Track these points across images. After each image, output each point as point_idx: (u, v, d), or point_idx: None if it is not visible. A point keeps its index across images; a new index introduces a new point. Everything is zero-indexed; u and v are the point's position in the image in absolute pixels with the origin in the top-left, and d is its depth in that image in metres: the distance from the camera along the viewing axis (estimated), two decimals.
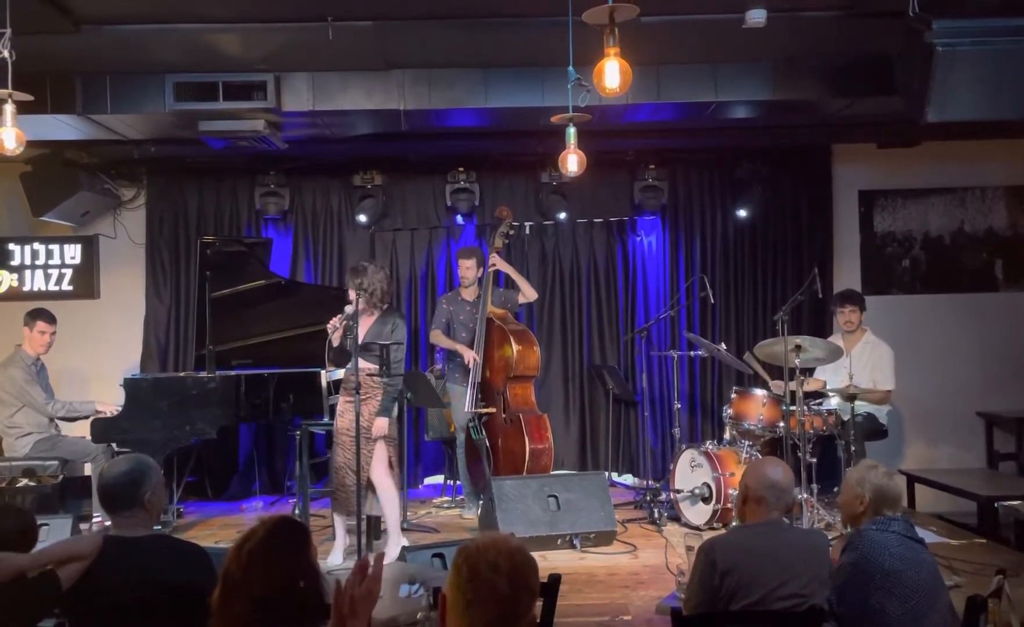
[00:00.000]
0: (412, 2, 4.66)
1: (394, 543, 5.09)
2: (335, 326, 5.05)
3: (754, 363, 6.29)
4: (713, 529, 5.59)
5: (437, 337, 6.48)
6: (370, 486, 5.09)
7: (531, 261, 7.55)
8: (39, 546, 3.77)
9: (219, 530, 6.13)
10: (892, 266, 7.65)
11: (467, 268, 6.44)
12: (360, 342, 4.95)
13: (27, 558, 2.75)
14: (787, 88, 5.69)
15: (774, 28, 4.66)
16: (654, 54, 5.20)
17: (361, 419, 4.89)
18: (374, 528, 5.63)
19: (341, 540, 5.24)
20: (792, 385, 5.47)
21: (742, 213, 7.43)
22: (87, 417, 6.04)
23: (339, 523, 5.24)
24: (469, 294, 6.51)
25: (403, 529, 5.72)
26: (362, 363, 4.94)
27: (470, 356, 6.22)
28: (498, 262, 6.43)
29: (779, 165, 7.43)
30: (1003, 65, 4.62)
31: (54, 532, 4.49)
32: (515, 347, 6.22)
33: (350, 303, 5.01)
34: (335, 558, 5.16)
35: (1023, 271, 7.59)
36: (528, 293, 6.53)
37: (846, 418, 5.73)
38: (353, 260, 7.49)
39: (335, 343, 5.11)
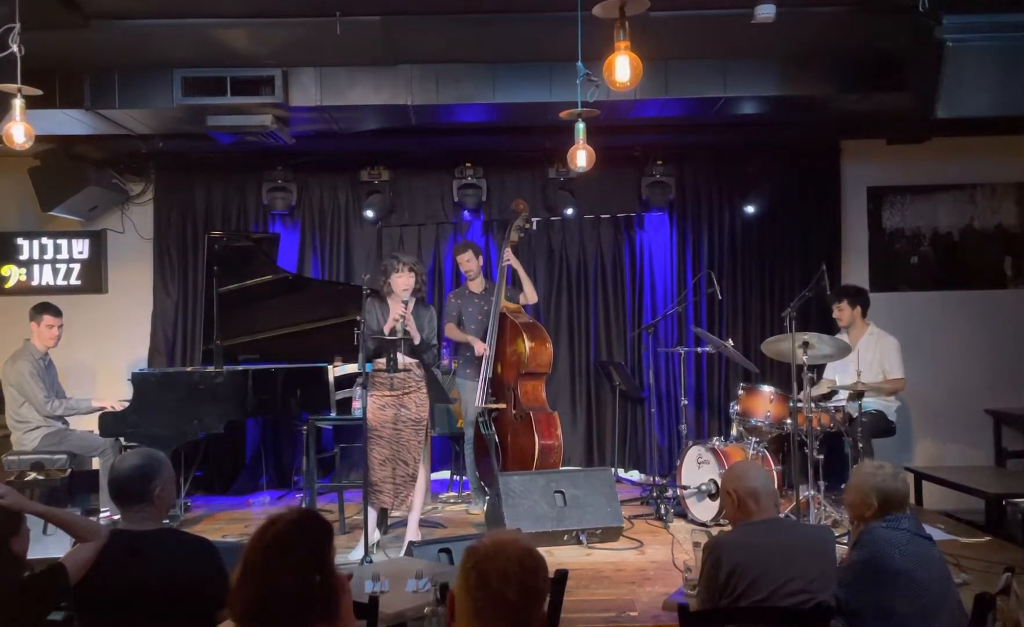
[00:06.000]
0: None
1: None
2: (404, 314, 5.13)
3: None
4: (720, 525, 5.58)
5: (451, 330, 6.50)
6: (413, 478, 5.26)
7: (538, 257, 7.54)
8: (48, 540, 3.81)
9: (226, 524, 6.15)
10: (901, 263, 7.61)
11: (467, 261, 6.52)
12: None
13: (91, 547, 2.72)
14: (796, 84, 5.67)
15: (783, 23, 4.63)
16: (663, 49, 5.18)
17: (410, 413, 5.23)
18: (382, 521, 5.65)
19: (372, 533, 5.23)
20: (802, 394, 5.44)
21: (750, 209, 7.40)
22: (85, 414, 6.10)
23: (372, 517, 5.25)
24: (476, 286, 6.55)
25: None
26: (408, 358, 5.18)
27: (481, 347, 6.25)
28: (511, 259, 6.44)
29: (787, 161, 7.40)
30: (1013, 60, 4.59)
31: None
32: (528, 343, 6.22)
33: (391, 293, 5.23)
34: (359, 552, 5.07)
35: None
36: (529, 295, 6.55)
37: (854, 415, 5.71)
38: (360, 256, 7.53)
39: (387, 332, 5.19)
